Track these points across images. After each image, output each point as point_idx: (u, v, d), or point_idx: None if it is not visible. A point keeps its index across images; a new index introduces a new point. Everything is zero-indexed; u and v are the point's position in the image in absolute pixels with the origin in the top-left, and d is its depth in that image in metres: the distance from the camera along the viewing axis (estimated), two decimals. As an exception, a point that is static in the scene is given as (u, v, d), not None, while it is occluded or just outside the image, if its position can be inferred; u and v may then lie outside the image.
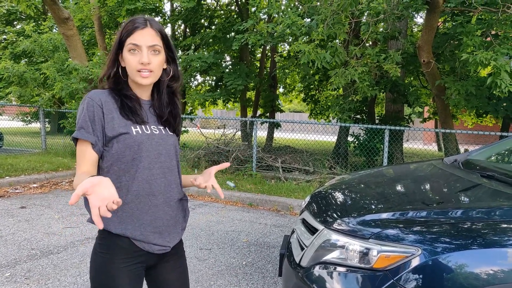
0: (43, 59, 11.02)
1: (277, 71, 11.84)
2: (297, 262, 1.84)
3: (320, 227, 1.81)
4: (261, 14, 9.08)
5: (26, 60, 14.27)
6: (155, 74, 1.27)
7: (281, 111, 14.54)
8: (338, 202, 2.15)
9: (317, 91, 13.04)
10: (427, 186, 2.20)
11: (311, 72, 10.45)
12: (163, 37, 1.27)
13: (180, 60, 9.06)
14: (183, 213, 1.39)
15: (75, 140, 1.21)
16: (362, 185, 2.41)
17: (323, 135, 12.20)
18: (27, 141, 10.02)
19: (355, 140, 8.54)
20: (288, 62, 10.69)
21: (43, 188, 5.82)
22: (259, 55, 14.59)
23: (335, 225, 1.74)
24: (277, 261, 3.37)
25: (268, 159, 7.55)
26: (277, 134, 11.17)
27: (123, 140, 1.22)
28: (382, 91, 8.43)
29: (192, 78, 12.12)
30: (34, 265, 3.07)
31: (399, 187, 2.27)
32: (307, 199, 2.35)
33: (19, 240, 3.60)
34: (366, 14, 6.89)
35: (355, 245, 1.60)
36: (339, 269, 1.62)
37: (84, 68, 7.66)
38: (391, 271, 1.48)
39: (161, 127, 1.33)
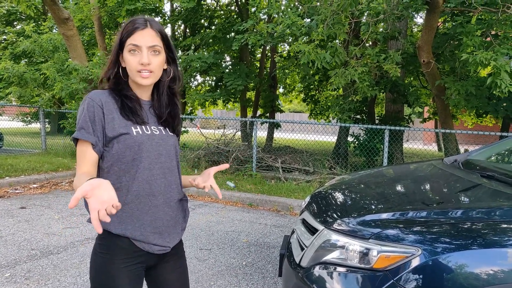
0: (43, 60, 11.03)
1: (277, 71, 11.84)
2: (297, 262, 1.84)
3: (320, 227, 1.81)
4: (261, 14, 9.08)
5: (26, 60, 14.27)
6: (155, 75, 1.27)
7: (281, 111, 14.55)
8: (338, 202, 2.15)
9: (317, 91, 13.04)
10: (427, 186, 2.20)
11: (311, 72, 10.45)
12: (163, 37, 1.27)
13: (180, 60, 9.05)
14: (183, 213, 1.39)
15: (76, 140, 1.21)
16: (362, 185, 2.41)
17: (323, 135, 12.20)
18: (27, 142, 10.02)
19: (355, 140, 8.54)
20: (288, 62, 10.70)
21: (43, 189, 5.82)
22: (259, 55, 14.59)
23: (335, 225, 1.74)
24: (277, 261, 3.37)
25: (268, 159, 7.55)
26: (277, 134, 11.17)
27: (123, 140, 1.22)
28: (382, 91, 8.43)
29: (192, 78, 12.12)
30: (34, 265, 3.07)
31: (399, 187, 2.27)
32: (307, 199, 2.36)
33: (19, 240, 3.60)
34: (366, 14, 6.89)
35: (355, 245, 1.60)
36: (339, 269, 1.62)
37: (84, 69, 7.66)
38: (391, 271, 1.48)
39: (161, 128, 1.33)
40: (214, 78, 12.29)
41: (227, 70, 10.32)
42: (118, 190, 1.22)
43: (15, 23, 17.36)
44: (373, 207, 1.92)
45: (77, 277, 2.88)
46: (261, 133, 9.76)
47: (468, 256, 1.41)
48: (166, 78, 1.34)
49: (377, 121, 9.91)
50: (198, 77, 13.74)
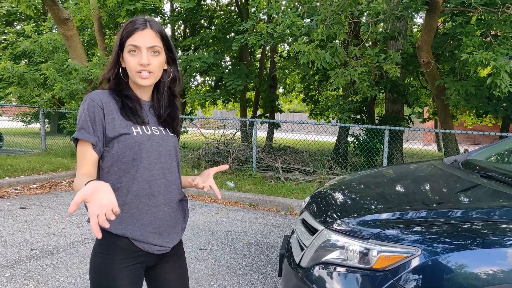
0: (43, 60, 11.03)
1: (277, 71, 11.84)
2: (297, 262, 1.84)
3: (320, 227, 1.82)
4: (261, 15, 9.07)
5: (26, 60, 14.27)
6: (155, 75, 1.27)
7: (281, 111, 14.55)
8: (338, 203, 2.15)
9: (317, 92, 13.04)
10: (427, 186, 2.20)
11: (311, 72, 10.45)
12: (163, 38, 1.27)
13: (180, 60, 9.05)
14: (183, 213, 1.39)
15: (76, 140, 1.21)
16: (362, 186, 2.41)
17: (323, 136, 12.18)
18: (27, 142, 10.01)
19: (355, 140, 8.54)
20: (288, 63, 10.70)
21: (42, 189, 5.82)
22: (259, 56, 14.59)
23: (335, 226, 1.74)
24: (277, 261, 3.37)
25: (268, 159, 7.55)
26: (277, 135, 11.17)
27: (123, 140, 1.22)
28: (382, 91, 8.43)
29: (192, 79, 12.11)
30: (34, 265, 3.07)
31: (399, 188, 2.27)
32: (307, 199, 2.36)
33: (18, 240, 3.60)
34: (366, 14, 6.89)
35: (355, 246, 1.60)
36: (339, 269, 1.62)
37: (84, 69, 7.67)
38: (391, 272, 1.48)
39: (162, 128, 1.33)
40: (214, 78, 12.29)
41: (227, 70, 10.32)
42: (118, 190, 1.22)
43: (15, 23, 17.36)
44: (373, 207, 1.92)
45: (77, 277, 2.88)
46: (261, 133, 9.76)
47: (468, 256, 1.41)
48: (166, 79, 1.34)
49: (377, 121, 9.91)
50: (198, 77, 13.73)
